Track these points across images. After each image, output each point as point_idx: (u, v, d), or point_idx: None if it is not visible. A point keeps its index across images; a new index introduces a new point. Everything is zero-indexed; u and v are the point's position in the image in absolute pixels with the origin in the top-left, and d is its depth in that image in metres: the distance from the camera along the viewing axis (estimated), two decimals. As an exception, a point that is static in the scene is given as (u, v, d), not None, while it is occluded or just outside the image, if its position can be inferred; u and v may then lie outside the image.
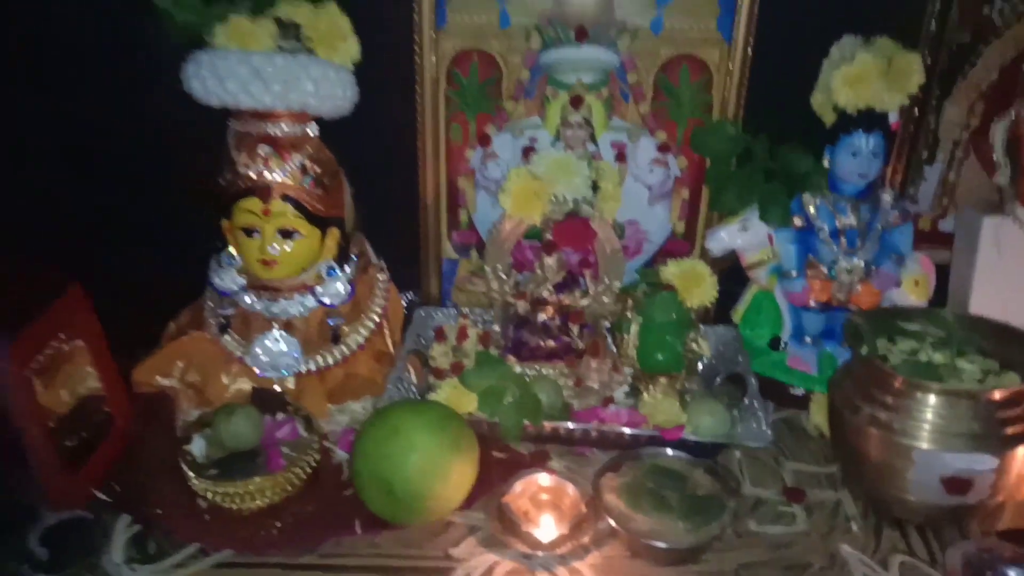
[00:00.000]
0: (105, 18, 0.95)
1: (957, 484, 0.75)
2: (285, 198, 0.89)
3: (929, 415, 0.76)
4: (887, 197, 0.97)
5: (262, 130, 0.89)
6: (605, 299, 1.00)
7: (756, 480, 0.87)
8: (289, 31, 0.89)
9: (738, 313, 1.08)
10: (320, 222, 0.92)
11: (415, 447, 0.77)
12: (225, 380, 0.96)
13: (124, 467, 0.86)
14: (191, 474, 0.81)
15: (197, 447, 0.84)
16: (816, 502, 0.84)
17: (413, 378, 0.97)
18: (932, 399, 0.76)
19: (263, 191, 0.89)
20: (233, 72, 0.84)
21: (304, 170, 0.90)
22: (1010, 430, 0.75)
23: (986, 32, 1.05)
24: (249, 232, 0.91)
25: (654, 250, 1.14)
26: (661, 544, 0.74)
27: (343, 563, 0.76)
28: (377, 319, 1.00)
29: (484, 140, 1.09)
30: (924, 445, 0.75)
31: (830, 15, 0.97)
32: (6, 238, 0.79)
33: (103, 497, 0.82)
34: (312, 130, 0.92)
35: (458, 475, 0.78)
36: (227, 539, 0.78)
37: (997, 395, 0.75)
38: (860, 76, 0.91)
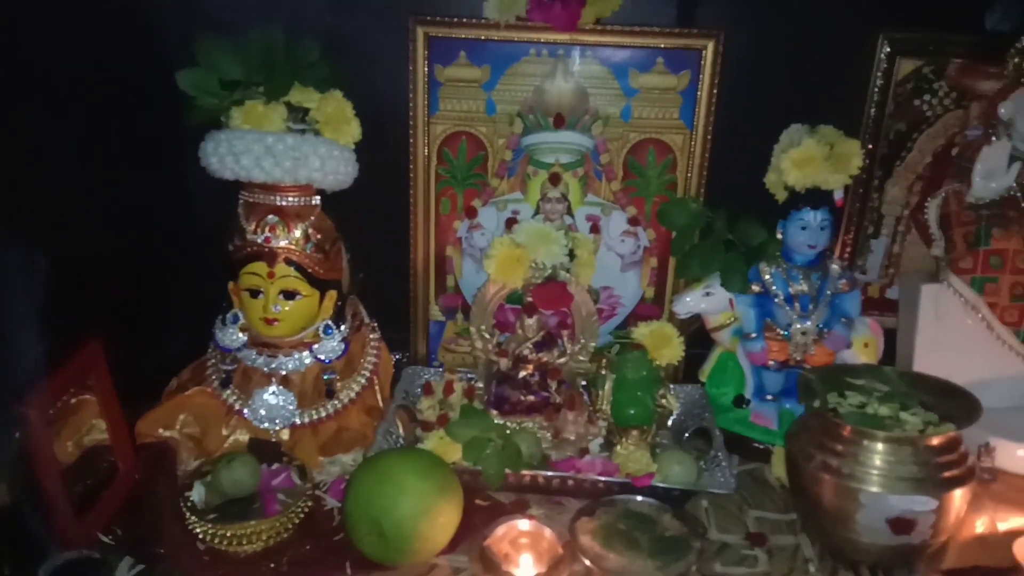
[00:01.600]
0: (129, 95, 1.03)
1: (902, 524, 0.81)
2: (288, 262, 0.96)
3: (875, 460, 0.82)
4: (835, 266, 1.05)
5: (270, 201, 0.96)
6: (581, 357, 1.06)
7: (722, 526, 0.92)
8: (298, 114, 0.97)
9: (704, 372, 1.14)
10: (320, 284, 0.98)
11: (404, 490, 0.81)
12: (224, 432, 1.00)
13: (128, 512, 0.89)
14: (192, 518, 0.84)
15: (197, 494, 0.88)
16: (777, 546, 0.89)
17: (400, 430, 1.01)
18: (878, 446, 0.82)
19: (269, 256, 0.95)
20: (248, 149, 0.92)
21: (307, 237, 0.97)
22: (947, 474, 0.81)
23: (919, 122, 1.15)
24: (254, 293, 0.96)
25: (626, 313, 1.21)
26: (632, 581, 0.79)
27: (334, 601, 0.79)
28: (369, 375, 1.05)
29: (471, 213, 1.16)
30: (871, 488, 0.81)
31: (779, 106, 1.06)
32: (31, 294, 0.85)
33: (106, 540, 0.85)
34: (316, 201, 0.99)
35: (444, 518, 0.83)
36: (225, 578, 0.81)
37: (935, 441, 0.82)
38: (806, 159, 0.99)
